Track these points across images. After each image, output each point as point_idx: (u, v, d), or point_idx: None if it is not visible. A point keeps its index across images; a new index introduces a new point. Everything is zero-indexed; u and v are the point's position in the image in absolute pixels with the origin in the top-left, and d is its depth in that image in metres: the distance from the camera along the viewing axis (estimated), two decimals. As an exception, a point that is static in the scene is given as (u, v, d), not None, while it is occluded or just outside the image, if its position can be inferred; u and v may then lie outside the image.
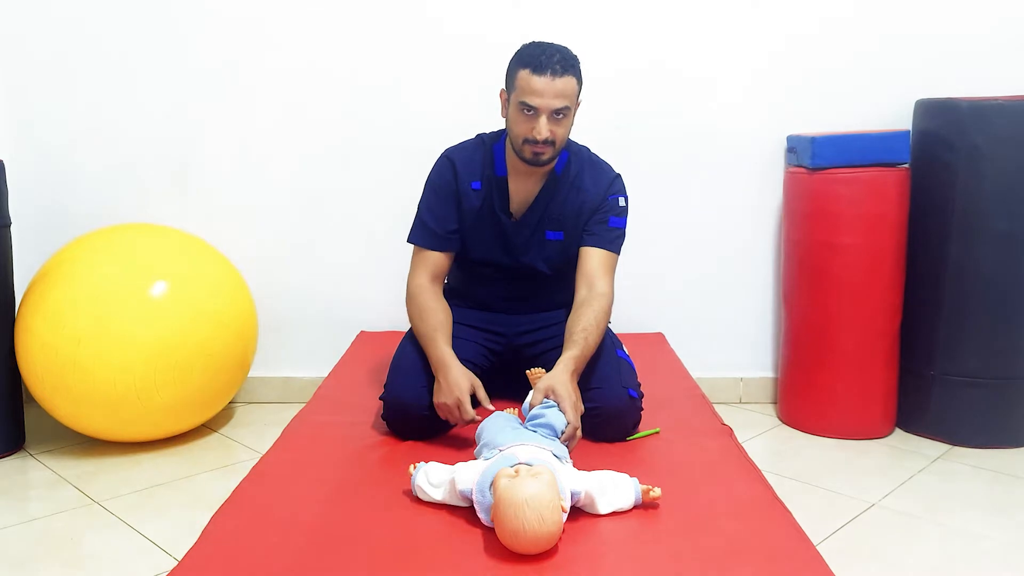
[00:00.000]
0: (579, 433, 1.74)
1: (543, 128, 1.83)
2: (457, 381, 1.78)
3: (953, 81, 2.68)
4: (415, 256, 2.04)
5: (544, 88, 1.81)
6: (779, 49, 2.77)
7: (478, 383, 1.81)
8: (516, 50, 1.90)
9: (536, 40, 1.90)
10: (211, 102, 2.85)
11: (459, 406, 1.77)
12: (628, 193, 2.06)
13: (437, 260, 2.02)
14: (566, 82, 1.83)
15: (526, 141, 1.87)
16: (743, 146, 2.82)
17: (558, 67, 1.81)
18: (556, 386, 1.75)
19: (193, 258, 2.59)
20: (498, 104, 1.98)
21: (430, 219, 2.02)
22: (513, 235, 2.03)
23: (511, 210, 2.02)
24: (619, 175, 2.05)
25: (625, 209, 2.03)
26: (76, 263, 2.47)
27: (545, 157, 1.89)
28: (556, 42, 1.89)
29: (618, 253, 2.03)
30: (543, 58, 1.82)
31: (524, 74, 1.83)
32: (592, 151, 2.08)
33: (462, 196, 2.01)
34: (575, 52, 1.89)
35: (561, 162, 2.00)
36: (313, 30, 2.81)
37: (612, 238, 2.01)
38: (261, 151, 2.88)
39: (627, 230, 2.06)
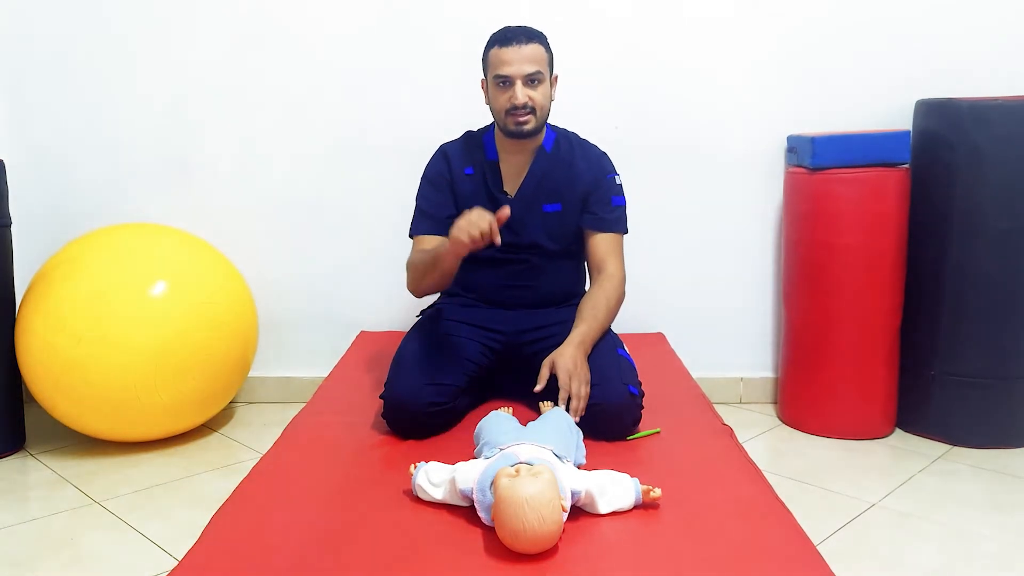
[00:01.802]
0: (580, 400, 1.79)
1: (519, 93, 1.93)
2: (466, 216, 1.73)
3: (953, 81, 2.68)
4: (414, 246, 2.09)
5: (512, 56, 1.93)
6: (779, 49, 2.77)
7: (488, 216, 1.74)
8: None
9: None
10: (211, 102, 2.85)
11: (480, 219, 1.70)
12: (628, 190, 2.14)
13: (435, 243, 2.05)
14: (533, 48, 1.95)
15: (508, 113, 1.96)
16: (743, 146, 2.82)
17: (523, 37, 1.95)
18: (557, 358, 1.85)
19: (193, 258, 2.59)
20: None
21: (426, 206, 2.10)
22: (511, 211, 2.04)
23: (505, 188, 2.08)
24: (605, 153, 2.15)
25: (621, 186, 2.13)
26: (76, 263, 2.47)
27: (529, 126, 1.97)
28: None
29: (626, 230, 2.13)
30: (508, 33, 1.96)
31: (494, 51, 1.97)
32: (578, 135, 2.16)
33: (456, 182, 2.08)
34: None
35: (549, 141, 2.08)
36: (313, 30, 2.81)
37: (616, 218, 2.10)
38: (261, 151, 2.88)
39: (628, 228, 2.14)
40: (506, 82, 1.94)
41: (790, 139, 2.72)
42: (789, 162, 2.74)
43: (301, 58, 2.82)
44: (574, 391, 1.81)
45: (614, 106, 2.80)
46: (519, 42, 1.93)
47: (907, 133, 2.53)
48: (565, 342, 1.90)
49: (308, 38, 2.81)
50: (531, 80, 1.94)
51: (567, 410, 1.80)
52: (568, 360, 1.84)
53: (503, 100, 1.96)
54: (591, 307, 1.98)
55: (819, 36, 2.76)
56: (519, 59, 1.93)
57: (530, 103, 1.94)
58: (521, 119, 1.96)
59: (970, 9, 2.70)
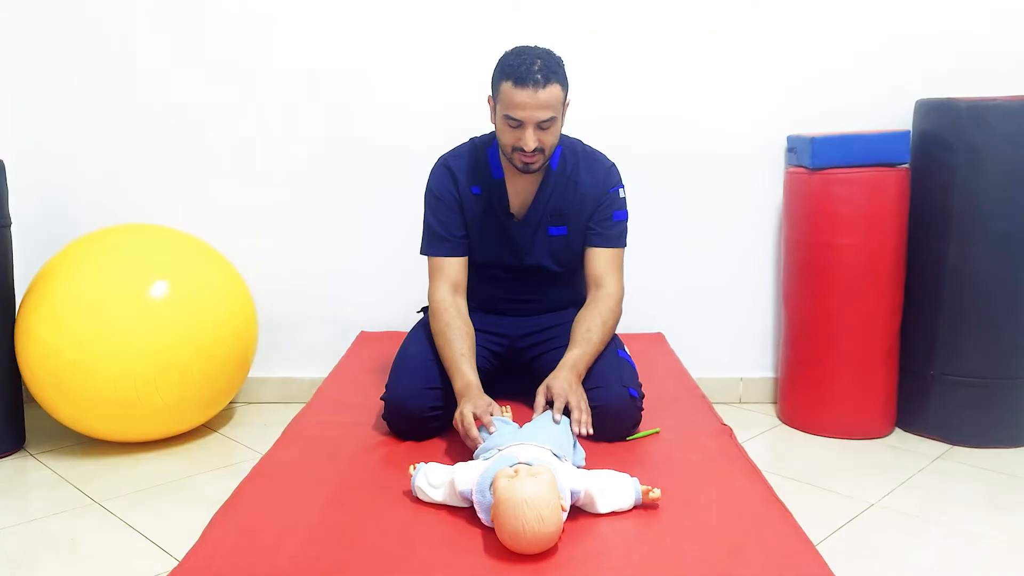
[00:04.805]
0: (582, 428, 1.73)
1: (530, 140, 1.83)
2: (475, 405, 1.74)
3: (953, 81, 2.68)
4: (431, 268, 2.03)
5: (527, 101, 1.79)
6: (779, 49, 2.77)
7: (495, 407, 1.77)
8: (500, 57, 1.88)
9: (518, 47, 1.87)
10: (211, 102, 2.85)
11: (468, 427, 1.71)
12: (628, 190, 2.09)
13: (454, 267, 2.01)
14: (550, 92, 1.80)
15: (515, 150, 1.87)
16: (743, 146, 2.83)
17: (539, 77, 1.78)
18: (553, 384, 1.78)
19: (193, 258, 2.59)
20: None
21: (439, 227, 2.02)
22: (517, 235, 2.04)
23: (512, 211, 2.03)
24: (614, 164, 2.07)
25: (625, 199, 2.06)
26: (76, 263, 2.47)
27: (535, 166, 1.90)
28: (541, 45, 1.87)
29: (625, 245, 2.07)
30: (523, 69, 1.78)
31: (507, 87, 1.81)
32: (584, 142, 2.09)
33: (464, 201, 2.02)
34: (559, 55, 1.87)
35: (555, 158, 2.01)
36: (313, 30, 2.81)
37: (617, 234, 2.05)
38: (261, 151, 2.88)
39: (628, 226, 2.09)
40: (517, 123, 1.82)
41: (790, 139, 2.72)
42: (789, 162, 2.74)
43: (301, 59, 2.82)
44: (578, 407, 1.75)
45: (615, 106, 2.80)
46: (536, 85, 1.77)
47: (907, 133, 2.53)
48: (558, 366, 1.85)
49: (308, 39, 2.81)
50: (543, 123, 1.82)
51: (571, 423, 1.74)
52: (563, 383, 1.78)
53: (511, 138, 1.85)
54: (585, 329, 1.91)
55: (819, 36, 2.76)
56: (534, 105, 1.78)
57: (540, 146, 1.84)
58: (528, 160, 1.87)
59: (970, 9, 2.71)
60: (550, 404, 1.76)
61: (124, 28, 2.82)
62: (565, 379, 1.80)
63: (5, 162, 2.57)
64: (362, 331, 2.86)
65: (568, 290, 2.12)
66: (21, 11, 2.81)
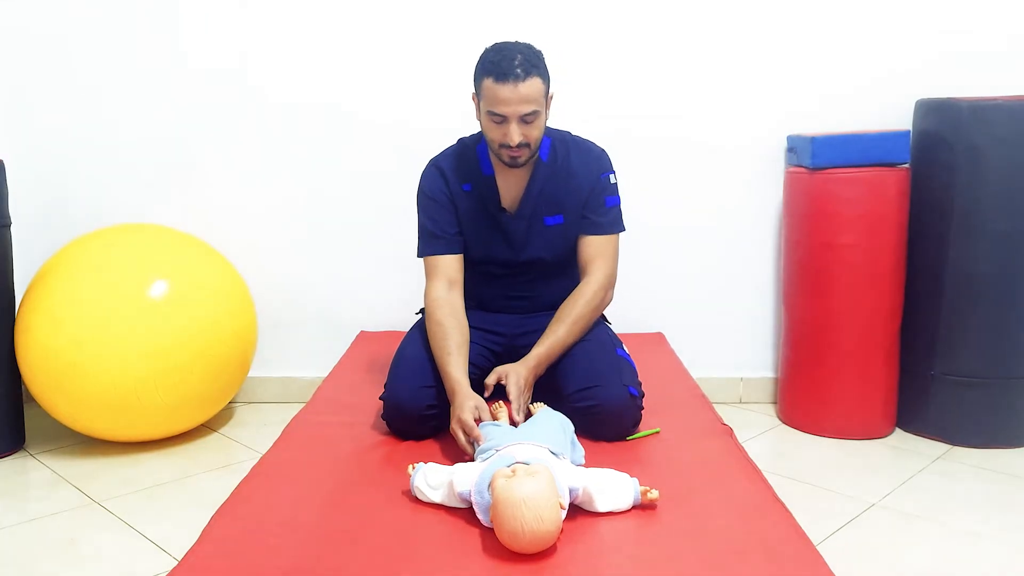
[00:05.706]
0: (519, 415, 1.81)
1: (514, 134, 1.85)
2: (461, 407, 1.74)
3: (953, 81, 2.68)
4: (427, 268, 2.05)
5: (509, 96, 1.81)
6: (779, 49, 2.77)
7: (484, 408, 1.77)
8: (481, 54, 1.89)
9: (498, 43, 1.88)
10: (211, 102, 2.85)
11: (463, 446, 1.73)
12: (628, 191, 2.11)
13: (449, 264, 2.02)
14: (530, 86, 1.81)
15: (502, 146, 1.90)
16: (743, 146, 2.82)
17: (520, 71, 1.80)
18: (509, 379, 1.85)
19: (193, 258, 2.59)
20: None
21: (433, 226, 2.03)
22: (512, 229, 2.05)
23: (504, 205, 2.04)
24: (604, 151, 2.08)
25: (616, 184, 2.07)
26: (76, 263, 2.47)
27: (522, 159, 1.92)
28: (521, 40, 1.88)
29: (620, 230, 2.08)
30: (504, 64, 1.80)
31: (488, 83, 1.83)
32: (573, 133, 2.10)
33: (456, 199, 2.04)
34: (539, 48, 1.89)
35: (545, 149, 2.02)
36: (313, 30, 2.81)
37: (610, 220, 2.06)
38: (261, 151, 2.88)
39: (627, 224, 2.11)
40: (500, 119, 1.84)
41: (790, 139, 2.72)
42: (789, 162, 2.74)
43: (301, 58, 2.82)
44: (515, 407, 1.82)
45: (614, 106, 2.80)
46: (516, 79, 1.79)
47: (907, 133, 2.53)
48: (521, 361, 1.90)
49: (308, 39, 2.81)
50: (527, 117, 1.84)
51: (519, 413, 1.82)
52: (519, 383, 1.85)
53: (497, 134, 1.88)
54: (557, 326, 1.95)
55: (819, 36, 2.76)
56: (516, 99, 1.81)
57: (525, 140, 1.86)
58: (515, 155, 1.89)
59: (970, 9, 2.70)
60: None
61: (125, 28, 2.82)
62: (522, 378, 1.86)
63: (5, 162, 2.57)
64: (362, 331, 2.87)
65: (565, 287, 2.12)
66: (21, 11, 2.81)
